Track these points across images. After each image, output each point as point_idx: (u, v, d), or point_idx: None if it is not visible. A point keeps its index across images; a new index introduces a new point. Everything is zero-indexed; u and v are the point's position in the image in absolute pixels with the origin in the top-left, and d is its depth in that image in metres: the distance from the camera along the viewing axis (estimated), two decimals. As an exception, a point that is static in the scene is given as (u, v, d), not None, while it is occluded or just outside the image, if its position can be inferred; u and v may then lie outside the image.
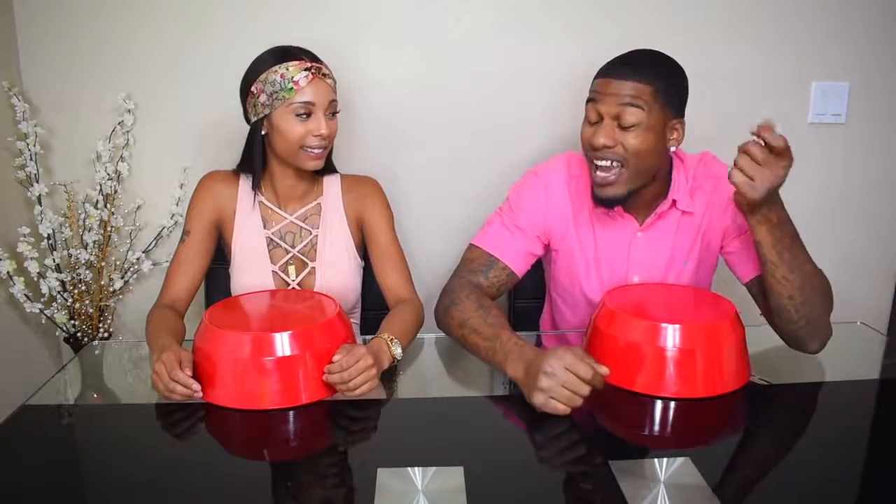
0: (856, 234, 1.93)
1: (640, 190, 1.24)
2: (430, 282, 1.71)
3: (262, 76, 1.27)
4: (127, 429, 1.06)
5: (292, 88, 1.25)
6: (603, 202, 1.24)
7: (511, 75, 1.76)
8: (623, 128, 1.17)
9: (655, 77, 1.17)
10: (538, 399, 1.00)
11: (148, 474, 0.92)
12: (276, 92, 1.26)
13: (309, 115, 1.27)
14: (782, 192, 1.17)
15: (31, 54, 1.71)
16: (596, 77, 1.22)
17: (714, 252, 1.33)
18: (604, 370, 1.01)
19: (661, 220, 1.30)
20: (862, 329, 1.38)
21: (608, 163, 1.19)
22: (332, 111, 1.31)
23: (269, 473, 0.94)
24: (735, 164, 1.04)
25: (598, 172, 1.21)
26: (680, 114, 1.23)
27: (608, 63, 1.21)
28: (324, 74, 1.28)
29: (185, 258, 1.35)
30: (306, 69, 1.25)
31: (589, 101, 1.21)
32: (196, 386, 1.06)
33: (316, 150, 1.30)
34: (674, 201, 1.28)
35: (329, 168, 1.42)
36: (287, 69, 1.25)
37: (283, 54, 1.27)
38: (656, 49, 1.24)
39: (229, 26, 1.70)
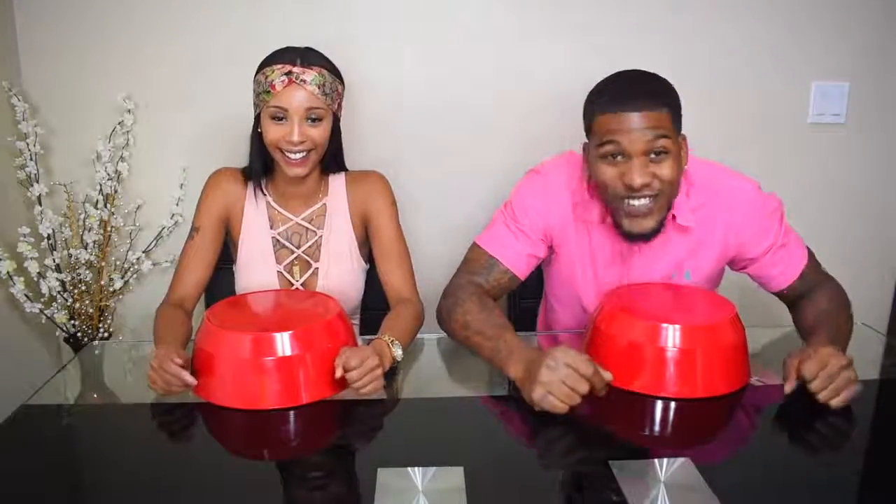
0: (856, 234, 1.93)
1: None
2: (430, 281, 1.70)
3: (256, 76, 1.29)
4: (127, 429, 1.06)
5: (269, 91, 1.25)
6: (637, 237, 1.18)
7: (511, 75, 1.76)
8: (654, 161, 1.12)
9: (666, 100, 1.13)
10: (537, 393, 0.97)
11: (148, 474, 0.92)
12: (259, 94, 1.27)
13: (283, 119, 1.26)
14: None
15: (31, 54, 1.71)
16: (598, 111, 1.14)
17: (719, 268, 1.32)
18: (608, 375, 0.99)
19: (659, 235, 1.22)
20: (862, 329, 1.38)
21: (646, 200, 1.14)
22: (311, 118, 1.27)
23: (269, 473, 0.94)
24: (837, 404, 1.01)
25: (632, 205, 1.15)
26: (681, 128, 1.19)
27: (610, 96, 1.14)
28: (303, 81, 1.24)
29: (194, 254, 1.35)
30: (285, 74, 1.24)
31: (605, 142, 1.13)
32: (189, 378, 1.05)
33: (294, 157, 1.28)
34: (673, 216, 1.23)
35: (337, 167, 1.42)
36: (272, 71, 1.25)
37: (272, 56, 1.28)
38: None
39: (230, 26, 1.70)
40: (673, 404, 1.07)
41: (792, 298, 1.29)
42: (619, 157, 1.13)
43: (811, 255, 1.29)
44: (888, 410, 1.09)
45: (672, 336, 1.07)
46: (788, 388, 1.03)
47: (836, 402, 1.00)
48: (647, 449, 0.98)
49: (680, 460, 0.91)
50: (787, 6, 1.75)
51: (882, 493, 0.87)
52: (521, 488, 0.89)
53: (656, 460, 0.92)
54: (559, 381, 0.97)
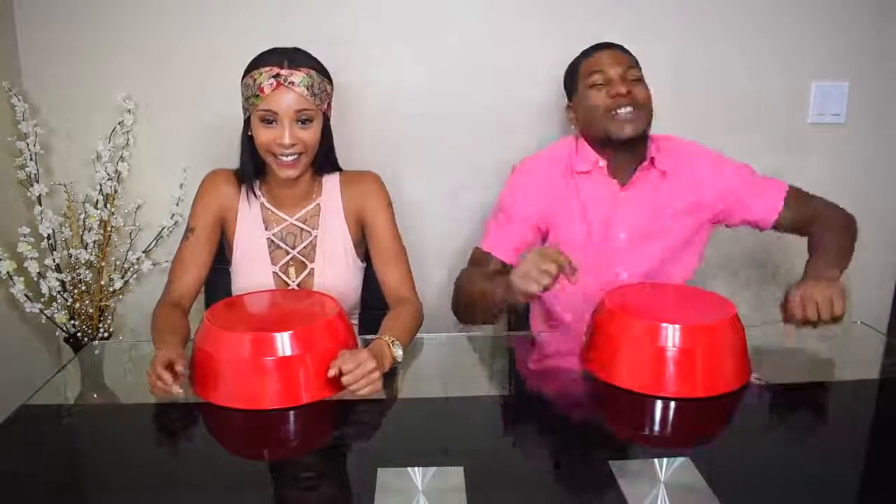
0: (855, 234, 1.93)
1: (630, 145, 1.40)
2: (428, 281, 1.71)
3: (244, 79, 1.28)
4: (127, 429, 1.06)
5: (258, 95, 1.24)
6: (626, 141, 1.38)
7: (511, 75, 1.76)
8: (631, 84, 1.37)
9: (627, 50, 1.44)
10: (515, 278, 1.15)
11: (148, 474, 0.92)
12: (248, 97, 1.27)
13: (273, 122, 1.26)
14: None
15: (31, 54, 1.71)
16: (583, 59, 1.44)
17: (696, 225, 1.45)
18: (571, 259, 1.13)
19: (641, 180, 1.43)
20: (862, 329, 1.38)
21: (629, 108, 1.36)
22: (301, 119, 1.26)
23: (269, 473, 0.94)
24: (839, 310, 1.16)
25: (619, 114, 1.36)
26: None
27: (588, 49, 1.45)
28: (291, 83, 1.24)
29: (189, 254, 1.35)
30: (273, 76, 1.23)
31: (592, 74, 1.40)
32: (177, 390, 1.03)
33: (286, 159, 1.27)
34: (652, 159, 1.42)
35: (330, 166, 1.42)
36: (259, 74, 1.25)
37: (258, 59, 1.27)
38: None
39: (230, 26, 1.70)
40: (673, 404, 1.07)
41: (796, 229, 1.43)
42: (603, 83, 1.39)
43: (792, 186, 1.44)
44: (888, 410, 1.10)
45: (672, 336, 1.07)
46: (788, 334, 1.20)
47: (837, 309, 1.14)
48: (647, 449, 0.98)
49: (680, 460, 0.91)
50: (787, 6, 1.75)
51: (882, 493, 0.87)
52: (521, 488, 0.89)
53: (656, 460, 0.92)
54: (531, 264, 1.13)
